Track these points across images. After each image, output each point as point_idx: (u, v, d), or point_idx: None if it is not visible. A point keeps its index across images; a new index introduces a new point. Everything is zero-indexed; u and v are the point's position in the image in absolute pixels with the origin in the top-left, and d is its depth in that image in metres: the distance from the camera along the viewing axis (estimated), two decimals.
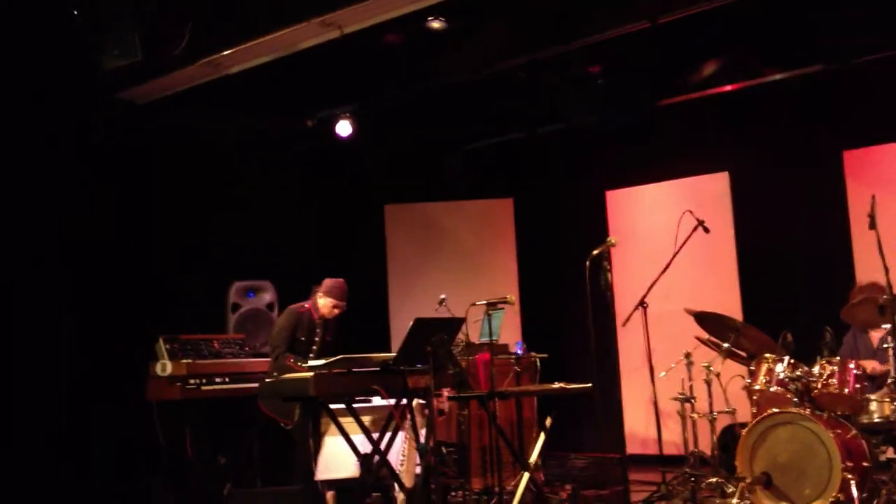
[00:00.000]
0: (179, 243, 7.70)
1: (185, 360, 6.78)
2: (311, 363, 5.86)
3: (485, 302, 5.96)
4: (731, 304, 7.96)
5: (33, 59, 6.86)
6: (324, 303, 6.35)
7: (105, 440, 6.93)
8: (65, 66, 6.97)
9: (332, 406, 6.17)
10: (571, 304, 6.37)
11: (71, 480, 6.76)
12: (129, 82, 7.33)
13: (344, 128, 8.37)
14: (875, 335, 6.17)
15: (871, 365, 6.01)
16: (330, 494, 6.51)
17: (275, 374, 6.05)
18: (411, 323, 5.77)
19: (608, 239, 5.14)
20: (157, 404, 6.73)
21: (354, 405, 6.31)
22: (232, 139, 8.15)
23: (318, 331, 6.36)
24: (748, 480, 5.47)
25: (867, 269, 6.61)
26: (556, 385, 6.11)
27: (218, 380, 6.90)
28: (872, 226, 5.53)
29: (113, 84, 7.28)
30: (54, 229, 7.16)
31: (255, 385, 6.51)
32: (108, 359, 7.12)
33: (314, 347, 6.31)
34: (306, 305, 6.42)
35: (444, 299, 6.91)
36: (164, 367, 6.75)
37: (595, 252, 5.04)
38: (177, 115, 7.78)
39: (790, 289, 7.90)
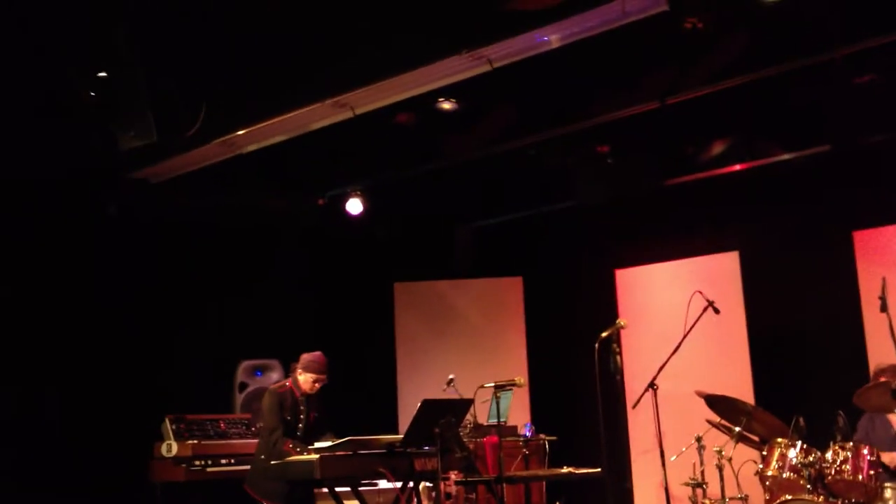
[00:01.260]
0: (187, 322, 7.72)
1: (190, 441, 6.72)
2: (318, 445, 5.81)
3: (493, 384, 5.91)
4: (742, 387, 7.87)
5: (51, 135, 6.96)
6: (304, 379, 6.23)
7: None
8: (81, 144, 7.07)
9: (338, 489, 6.10)
10: (581, 386, 6.29)
11: None
12: (144, 162, 7.42)
13: (354, 206, 8.43)
14: (894, 420, 6.07)
15: (891, 456, 5.90)
16: None
17: (262, 457, 5.94)
18: (419, 404, 5.73)
19: (618, 321, 5.12)
20: (161, 486, 6.66)
21: (360, 488, 6.25)
22: (243, 217, 8.22)
23: (301, 408, 6.24)
24: None
25: (879, 352, 6.53)
26: (566, 469, 6.03)
27: (224, 461, 6.83)
28: (884, 308, 5.49)
29: (128, 163, 7.37)
30: (62, 305, 7.19)
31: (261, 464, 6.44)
32: (114, 439, 7.07)
33: (300, 426, 6.19)
34: (287, 384, 6.31)
35: (452, 379, 6.88)
36: (170, 447, 6.70)
37: (604, 334, 5.00)
38: (189, 195, 7.85)
39: (802, 372, 7.81)
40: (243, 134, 7.01)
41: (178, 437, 6.72)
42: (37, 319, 7.07)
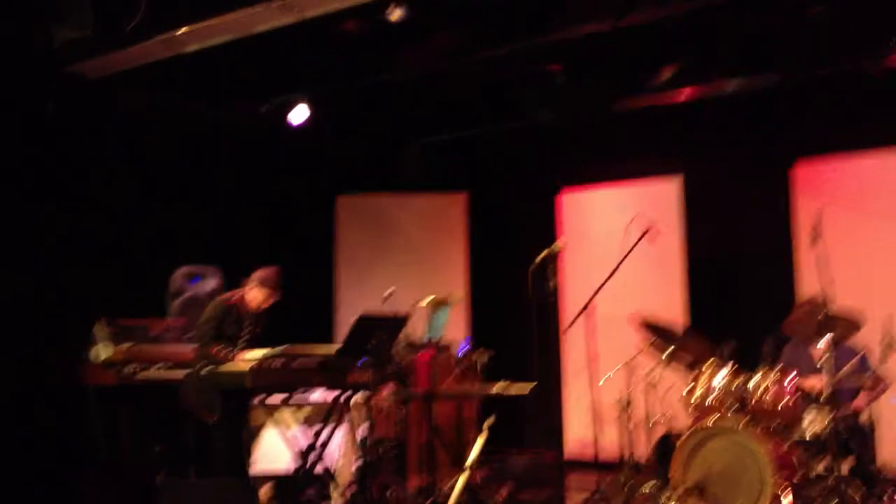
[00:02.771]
0: (123, 224, 7.56)
1: (123, 345, 6.64)
2: (250, 354, 5.79)
3: (430, 299, 5.92)
4: (676, 311, 8.02)
5: None
6: (256, 294, 6.12)
7: (39, 425, 6.80)
8: (15, 35, 6.79)
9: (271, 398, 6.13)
10: (520, 305, 6.35)
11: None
12: (80, 55, 7.16)
13: (298, 115, 8.26)
14: (816, 353, 6.22)
15: (813, 381, 6.06)
16: (266, 487, 6.46)
17: (199, 365, 5.89)
18: (355, 318, 5.73)
19: (555, 244, 5.12)
20: (92, 389, 6.60)
21: (293, 398, 6.29)
22: (183, 121, 8.01)
23: (246, 323, 6.17)
24: (681, 489, 5.51)
25: (812, 283, 6.67)
26: (497, 386, 6.11)
27: (156, 366, 6.77)
28: (815, 241, 5.57)
29: (64, 57, 7.11)
30: None
31: (196, 369, 6.41)
32: (45, 341, 6.97)
33: (244, 339, 6.11)
34: (235, 297, 6.22)
35: (390, 294, 6.84)
36: (101, 350, 6.62)
37: (540, 257, 5.01)
38: (128, 94, 7.62)
39: (735, 298, 7.97)
40: (186, 32, 6.77)
41: (110, 339, 6.63)
42: None
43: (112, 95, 7.56)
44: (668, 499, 5.64)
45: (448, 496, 5.83)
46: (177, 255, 7.62)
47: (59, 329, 7.00)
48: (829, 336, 5.45)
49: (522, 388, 6.02)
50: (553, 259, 4.99)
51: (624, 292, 7.28)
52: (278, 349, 5.77)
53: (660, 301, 8.00)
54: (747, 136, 8.13)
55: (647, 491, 6.10)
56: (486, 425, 6.10)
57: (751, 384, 5.72)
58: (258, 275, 6.12)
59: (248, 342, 6.03)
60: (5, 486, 6.57)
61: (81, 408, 6.59)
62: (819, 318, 5.49)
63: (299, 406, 6.27)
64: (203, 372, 5.84)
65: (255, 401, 6.12)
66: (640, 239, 6.74)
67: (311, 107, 8.23)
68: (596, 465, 6.43)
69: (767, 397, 5.64)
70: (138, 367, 6.66)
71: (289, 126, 8.29)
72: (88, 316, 6.76)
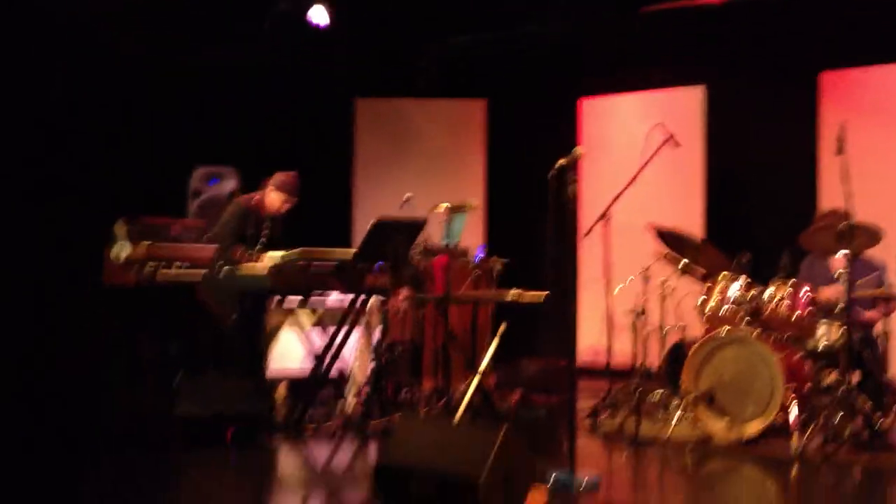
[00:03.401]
0: (142, 124, 7.54)
1: (143, 244, 6.70)
2: (268, 256, 5.84)
3: (447, 205, 5.92)
4: (693, 222, 7.99)
5: None
6: (274, 197, 6.12)
7: (58, 323, 6.91)
8: None
9: (289, 300, 6.20)
10: (537, 213, 6.33)
11: (20, 364, 6.76)
12: None
13: (319, 14, 8.12)
14: (834, 263, 6.21)
15: (829, 293, 6.07)
16: (282, 386, 6.59)
17: (218, 266, 5.94)
18: (372, 222, 5.75)
19: (575, 150, 5.06)
20: (112, 288, 6.69)
21: (310, 300, 6.36)
22: (202, 15, 7.89)
23: (265, 225, 6.19)
24: (692, 396, 5.58)
25: (832, 196, 6.61)
26: (512, 292, 6.14)
27: (176, 265, 6.84)
28: (840, 151, 5.50)
29: None
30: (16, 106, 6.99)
31: (214, 270, 6.48)
32: (66, 240, 7.03)
33: (262, 241, 6.14)
34: (255, 199, 6.23)
35: (409, 198, 6.83)
36: (122, 249, 6.68)
37: (560, 163, 4.96)
38: None
39: (753, 210, 7.93)
40: None
41: (131, 238, 6.69)
42: None
43: None
44: (679, 406, 5.73)
45: (461, 399, 5.94)
46: (196, 156, 7.63)
47: (79, 228, 7.06)
48: (847, 249, 5.42)
49: (537, 296, 6.05)
50: (572, 166, 4.94)
51: (642, 202, 7.26)
52: (295, 251, 5.81)
53: (678, 211, 7.97)
54: (773, 45, 7.96)
55: (658, 398, 6.19)
56: (499, 331, 6.17)
57: (765, 295, 5.74)
58: (276, 179, 6.11)
59: (267, 244, 6.06)
60: (25, 385, 6.72)
61: (101, 306, 6.69)
62: (838, 230, 5.45)
63: (315, 308, 6.34)
64: (222, 273, 5.91)
65: (273, 302, 6.19)
66: (659, 148, 6.67)
67: (331, 8, 8.08)
68: (608, 373, 6.51)
69: (782, 308, 5.66)
70: (158, 266, 6.73)
71: (308, 27, 8.15)
72: (109, 215, 6.81)
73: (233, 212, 6.15)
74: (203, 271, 6.48)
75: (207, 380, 5.84)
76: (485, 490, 3.70)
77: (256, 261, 5.87)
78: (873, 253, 5.92)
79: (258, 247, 6.01)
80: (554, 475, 4.45)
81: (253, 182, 7.05)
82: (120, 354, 6.65)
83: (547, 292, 6.06)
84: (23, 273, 6.90)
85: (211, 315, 6.07)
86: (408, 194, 6.66)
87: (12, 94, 6.98)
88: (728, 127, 8.23)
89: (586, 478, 4.48)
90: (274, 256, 5.80)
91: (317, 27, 8.16)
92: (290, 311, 6.13)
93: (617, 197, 6.47)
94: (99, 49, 7.39)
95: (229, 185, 7.72)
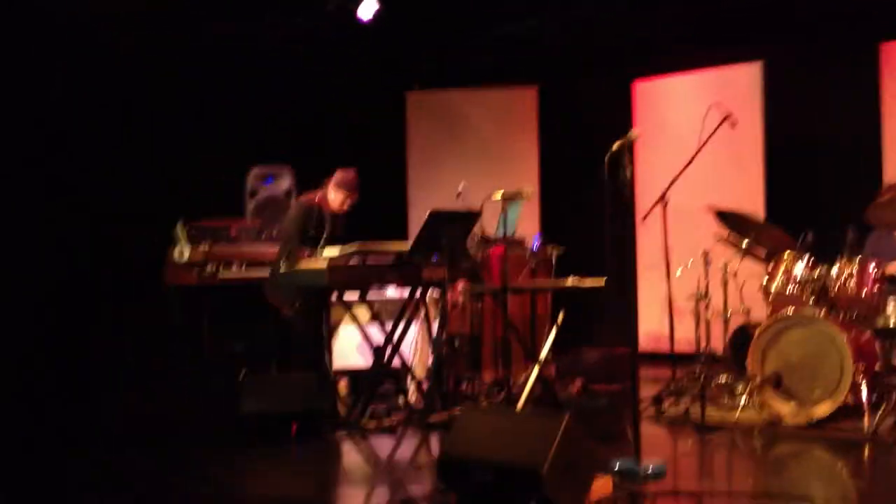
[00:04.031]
0: (197, 126, 7.64)
1: (203, 246, 6.79)
2: (327, 251, 5.86)
3: (501, 194, 5.88)
4: (754, 202, 7.83)
5: None
6: (334, 196, 6.17)
7: (122, 323, 7.05)
8: None
9: (347, 295, 6.22)
10: (592, 199, 6.26)
11: (85, 362, 6.92)
12: None
13: (367, 10, 8.12)
14: None
15: None
16: (343, 383, 6.63)
17: (282, 264, 6.00)
18: (427, 214, 5.73)
19: (629, 133, 4.98)
20: (174, 289, 6.79)
21: (368, 295, 6.36)
22: (253, 18, 7.96)
23: (327, 224, 6.24)
24: (758, 380, 5.48)
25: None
26: (570, 280, 6.09)
27: (235, 266, 6.93)
28: None
29: None
30: (74, 112, 7.14)
31: (274, 269, 6.53)
32: (129, 243, 7.17)
33: (323, 240, 6.17)
34: (317, 198, 6.27)
35: (463, 188, 6.79)
36: (183, 252, 6.78)
37: (615, 146, 4.89)
38: None
39: (816, 187, 7.73)
40: None
41: (191, 241, 6.79)
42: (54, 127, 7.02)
43: None
44: (745, 390, 5.62)
45: (521, 389, 5.91)
46: (251, 156, 7.71)
47: (141, 231, 7.18)
48: None
49: (596, 282, 5.99)
50: (627, 149, 4.86)
51: (700, 183, 7.13)
52: (352, 246, 5.83)
53: (737, 192, 7.82)
54: (830, 16, 7.75)
55: (723, 382, 6.08)
56: (558, 320, 6.12)
57: (832, 273, 5.60)
58: (337, 177, 6.17)
59: (329, 242, 6.09)
60: (92, 378, 6.87)
61: (165, 307, 6.80)
62: None
63: (374, 303, 6.35)
64: (281, 270, 5.96)
65: (332, 298, 6.22)
66: (717, 127, 6.54)
67: (380, 1, 8.07)
68: (670, 358, 6.41)
69: (850, 286, 5.52)
70: (218, 266, 6.82)
71: (358, 22, 8.16)
72: (169, 216, 6.92)
73: (297, 211, 6.22)
74: (262, 270, 6.56)
75: (271, 377, 5.90)
76: (548, 479, 3.67)
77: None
78: None
79: (321, 245, 6.04)
80: (618, 463, 4.40)
81: (307, 180, 7.11)
82: (185, 353, 6.76)
83: (605, 279, 5.98)
84: (89, 274, 7.06)
85: (274, 312, 6.14)
86: (462, 185, 6.63)
87: (83, 100, 7.13)
88: (787, 103, 8.03)
89: (651, 465, 4.42)
90: (331, 252, 5.82)
91: (365, 22, 8.16)
92: (349, 307, 6.15)
93: (674, 179, 6.36)
94: (155, 53, 7.51)
95: (285, 183, 7.79)
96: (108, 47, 7.31)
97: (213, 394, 6.29)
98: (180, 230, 6.91)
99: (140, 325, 7.07)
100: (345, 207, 6.21)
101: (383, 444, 5.48)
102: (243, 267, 6.92)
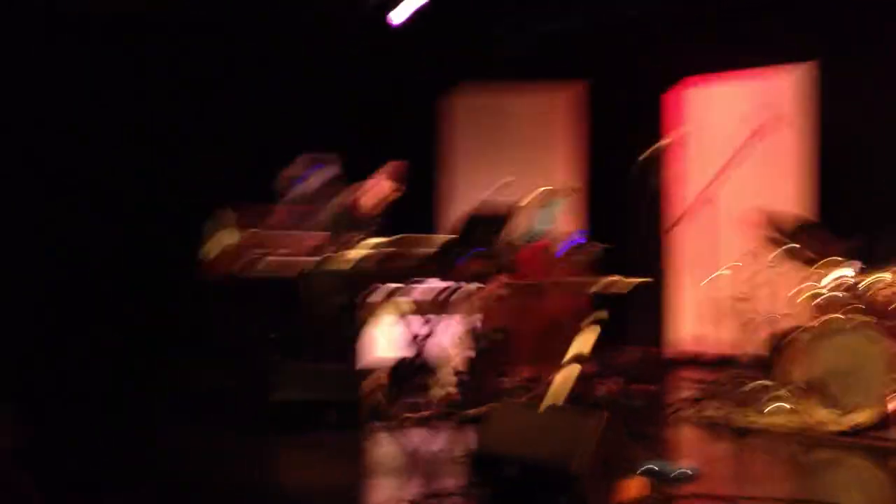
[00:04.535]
0: (244, 113, 7.70)
1: (249, 230, 6.84)
2: (368, 242, 5.90)
3: (543, 191, 5.87)
4: (804, 204, 7.73)
5: None
6: (385, 185, 6.26)
7: (159, 308, 7.13)
8: None
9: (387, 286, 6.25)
10: (637, 198, 6.26)
11: (120, 347, 7.01)
12: None
13: (400, 13, 8.11)
14: None
15: None
16: (380, 372, 6.65)
17: (327, 253, 6.05)
18: (471, 207, 5.75)
19: (660, 142, 4.96)
20: (212, 276, 6.85)
21: (409, 286, 6.39)
22: (297, 14, 8.02)
23: (363, 226, 6.29)
24: (799, 385, 5.41)
25: None
26: (613, 278, 6.06)
27: (280, 252, 6.96)
28: None
29: None
30: (120, 94, 7.24)
31: (311, 261, 6.58)
32: (165, 224, 7.25)
33: (370, 230, 6.23)
34: (352, 201, 6.32)
35: (507, 182, 6.76)
36: (222, 237, 6.83)
37: (643, 155, 4.88)
38: None
39: (868, 192, 7.59)
40: None
41: (231, 227, 6.83)
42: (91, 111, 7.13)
43: None
44: (785, 394, 5.55)
45: (559, 386, 5.88)
46: (292, 147, 7.74)
47: (181, 216, 7.26)
48: None
49: (635, 283, 5.95)
50: (660, 155, 4.84)
51: (748, 185, 7.06)
52: (391, 239, 5.87)
53: (785, 194, 7.73)
54: (887, 15, 7.60)
55: (762, 387, 6.01)
56: (597, 319, 6.09)
57: (879, 281, 5.51)
58: (388, 168, 6.25)
59: (373, 235, 6.14)
60: (127, 370, 6.96)
61: (202, 293, 6.87)
62: None
63: (413, 295, 6.37)
64: (323, 260, 6.02)
65: (372, 290, 6.26)
66: (765, 130, 6.47)
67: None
68: (708, 362, 6.35)
69: (893, 295, 5.42)
70: (264, 253, 6.87)
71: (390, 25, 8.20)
72: (213, 202, 6.98)
73: (339, 209, 6.29)
74: (305, 259, 6.61)
75: (304, 366, 5.95)
76: (584, 477, 3.66)
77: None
78: None
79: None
80: (651, 464, 4.38)
81: (351, 171, 7.15)
82: (221, 339, 6.82)
83: (645, 279, 5.95)
84: (126, 260, 7.16)
85: (312, 302, 6.19)
86: (507, 178, 6.61)
87: (113, 87, 7.24)
88: (838, 105, 7.90)
89: (684, 467, 4.39)
90: (371, 244, 5.86)
91: (397, 26, 8.18)
92: (389, 298, 6.18)
93: (720, 180, 6.30)
94: (201, 42, 7.60)
95: (332, 171, 7.78)
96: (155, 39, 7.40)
97: (246, 380, 6.34)
98: (226, 215, 6.96)
99: (178, 311, 7.15)
100: (391, 198, 6.28)
101: (418, 437, 5.50)
102: (284, 255, 6.96)
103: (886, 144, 7.58)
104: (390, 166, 6.26)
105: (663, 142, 4.94)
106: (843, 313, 5.51)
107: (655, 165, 4.81)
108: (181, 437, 5.47)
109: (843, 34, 7.87)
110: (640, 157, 4.84)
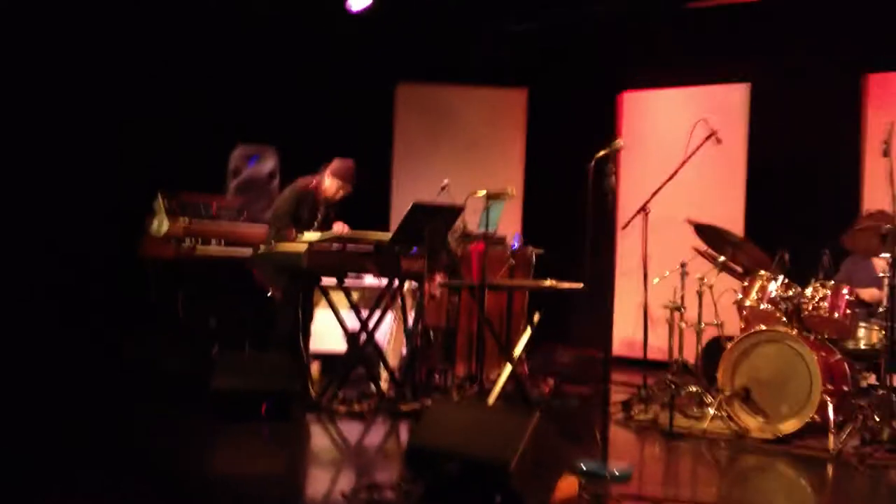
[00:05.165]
0: (187, 101, 7.58)
1: (182, 220, 6.75)
2: (307, 235, 5.86)
3: (485, 192, 5.89)
4: (733, 219, 7.92)
5: None
6: (330, 183, 6.19)
7: (98, 293, 6.98)
8: None
9: (325, 280, 6.22)
10: (574, 203, 6.31)
11: (60, 330, 6.84)
12: None
13: (358, 1, 8.08)
14: (878, 263, 6.12)
15: (871, 292, 6.00)
16: (315, 365, 6.62)
17: (271, 243, 6.00)
18: (410, 206, 5.74)
19: (615, 141, 5.02)
20: (150, 261, 6.75)
21: (346, 282, 6.37)
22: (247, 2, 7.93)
23: (320, 210, 6.24)
24: (727, 393, 5.53)
25: (876, 198, 6.52)
26: (548, 281, 6.12)
27: (213, 242, 6.89)
28: (886, 153, 5.43)
29: None
30: (57, 78, 7.06)
31: (250, 251, 6.52)
32: (107, 212, 7.11)
33: (315, 225, 6.17)
34: (313, 183, 6.26)
35: (446, 185, 6.81)
36: (161, 224, 6.74)
37: (600, 154, 4.93)
38: None
39: (795, 209, 7.83)
40: None
41: (171, 214, 6.74)
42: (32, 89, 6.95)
43: None
44: (714, 401, 5.68)
45: (493, 385, 5.93)
46: (236, 134, 7.66)
47: (120, 200, 7.13)
48: (891, 252, 5.34)
49: (573, 285, 6.02)
50: (612, 157, 4.90)
51: (682, 196, 7.19)
52: (332, 232, 5.84)
53: (718, 207, 7.89)
54: (818, 45, 7.85)
55: (693, 392, 6.13)
56: (534, 318, 6.15)
57: (807, 293, 5.67)
58: (333, 166, 6.19)
59: (321, 228, 6.09)
60: (65, 347, 6.80)
61: (140, 277, 6.76)
62: (883, 232, 5.38)
63: (351, 290, 6.35)
64: (261, 249, 5.96)
65: (310, 283, 6.21)
66: (702, 144, 6.59)
67: None
68: (642, 365, 6.46)
69: (823, 307, 5.59)
70: (196, 242, 6.78)
71: (347, 12, 8.14)
72: (150, 189, 6.87)
73: (291, 194, 6.21)
74: (240, 249, 6.54)
75: (244, 355, 5.88)
76: (515, 475, 3.68)
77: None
78: None
79: (313, 230, 6.04)
80: (584, 464, 4.43)
81: (292, 163, 7.09)
82: (158, 326, 6.71)
83: (583, 283, 6.02)
84: (64, 244, 6.99)
85: (258, 290, 6.14)
86: (445, 181, 6.65)
87: (61, 70, 7.06)
88: (772, 125, 8.15)
89: (618, 468, 4.46)
90: (312, 236, 5.82)
91: (357, 12, 8.13)
92: (327, 291, 6.14)
93: (657, 190, 6.42)
94: (146, 24, 7.46)
95: (269, 164, 7.73)
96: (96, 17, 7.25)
97: (185, 369, 6.25)
98: (160, 202, 6.85)
99: (115, 294, 7.01)
100: (338, 197, 6.22)
101: (352, 429, 5.48)
102: (221, 244, 6.88)
103: (813, 167, 7.82)
104: (335, 164, 6.18)
105: (618, 142, 4.97)
106: (771, 324, 5.65)
107: (608, 166, 4.85)
108: (114, 423, 5.35)
109: (776, 59, 8.10)
110: (597, 156, 4.87)
